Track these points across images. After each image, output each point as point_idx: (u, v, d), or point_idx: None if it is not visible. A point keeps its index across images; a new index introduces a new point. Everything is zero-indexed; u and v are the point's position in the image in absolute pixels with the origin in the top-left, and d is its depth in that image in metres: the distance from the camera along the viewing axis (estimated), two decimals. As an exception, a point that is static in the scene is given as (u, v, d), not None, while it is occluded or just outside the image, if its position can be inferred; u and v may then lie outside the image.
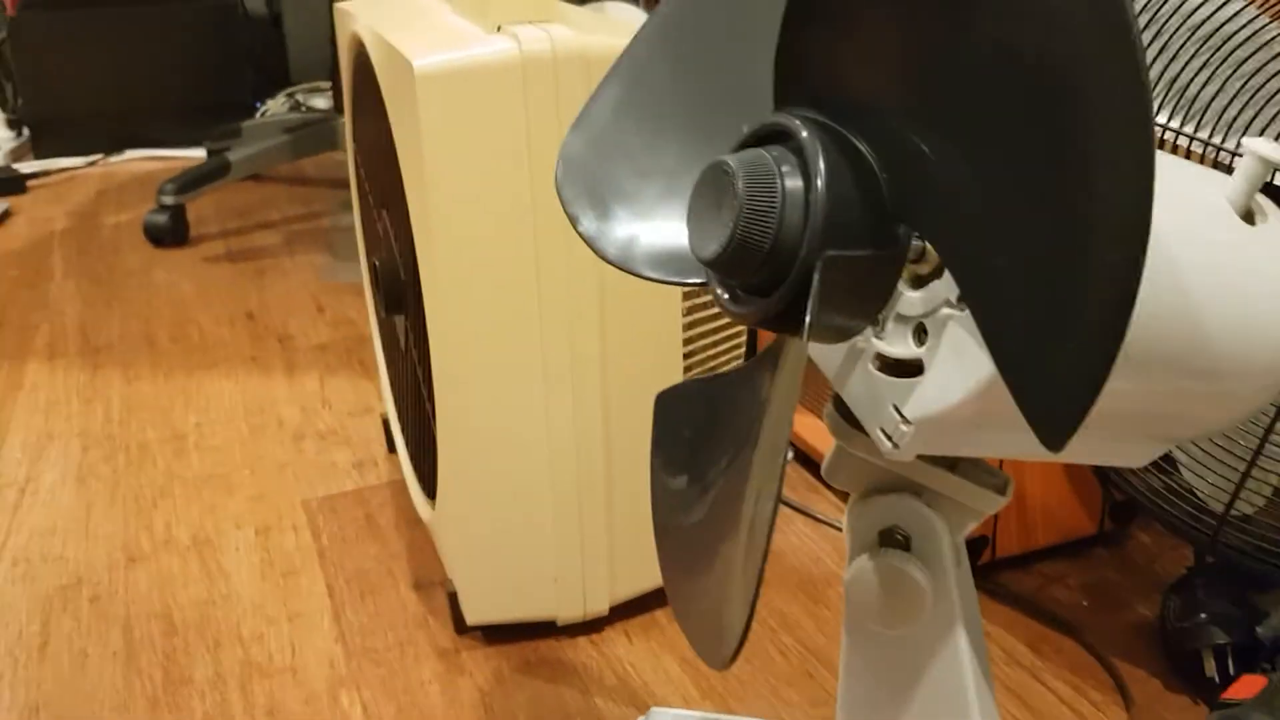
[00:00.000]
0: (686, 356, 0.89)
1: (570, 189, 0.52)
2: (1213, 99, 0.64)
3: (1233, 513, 0.73)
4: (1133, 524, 1.00)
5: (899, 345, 0.45)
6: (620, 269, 0.50)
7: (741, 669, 0.87)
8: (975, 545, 0.94)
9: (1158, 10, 0.66)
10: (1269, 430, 0.69)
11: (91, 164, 2.47)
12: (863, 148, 0.39)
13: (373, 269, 1.04)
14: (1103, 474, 0.85)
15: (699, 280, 0.47)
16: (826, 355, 0.48)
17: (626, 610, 0.92)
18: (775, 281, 0.41)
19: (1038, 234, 0.33)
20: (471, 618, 0.89)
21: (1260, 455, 0.70)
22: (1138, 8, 0.66)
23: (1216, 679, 0.79)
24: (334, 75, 2.29)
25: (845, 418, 0.49)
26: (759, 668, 0.87)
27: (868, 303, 0.40)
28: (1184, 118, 0.66)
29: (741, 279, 0.42)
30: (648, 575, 0.91)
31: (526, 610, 0.89)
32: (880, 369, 0.45)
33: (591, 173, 0.52)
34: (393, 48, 0.77)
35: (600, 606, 0.90)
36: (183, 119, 2.52)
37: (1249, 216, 0.45)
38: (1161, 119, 0.66)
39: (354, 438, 1.24)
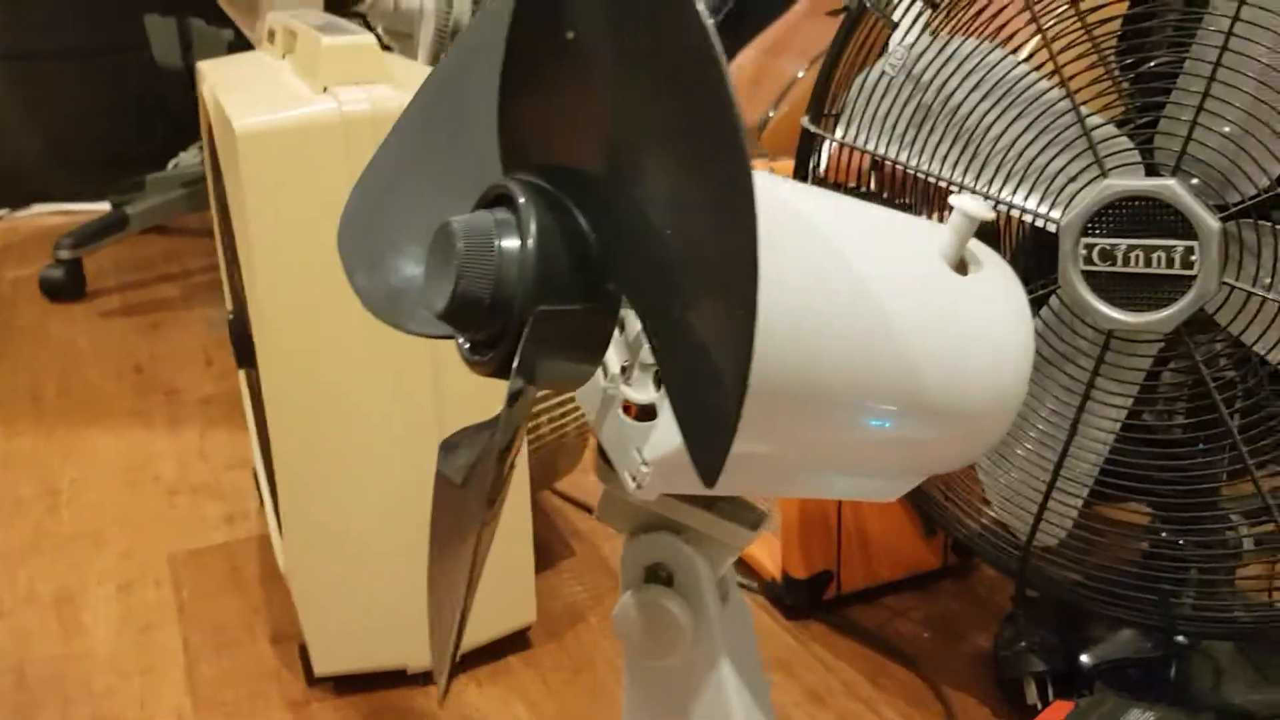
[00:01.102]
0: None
1: (346, 246, 0.54)
2: (1003, 157, 0.68)
3: (1036, 544, 0.76)
4: (975, 557, 1.02)
5: (642, 391, 0.47)
6: (389, 324, 0.53)
7: (589, 708, 0.89)
8: (820, 580, 0.96)
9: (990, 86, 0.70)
10: (1058, 466, 0.72)
11: (-5, 219, 2.46)
12: (575, 210, 0.42)
13: (228, 323, 1.05)
14: (921, 508, 0.88)
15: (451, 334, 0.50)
16: (587, 401, 0.51)
17: (478, 657, 0.93)
18: (502, 335, 0.43)
19: (692, 290, 0.35)
20: (320, 668, 0.89)
21: (1054, 489, 0.73)
22: (972, 83, 0.70)
23: (1038, 705, 0.82)
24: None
25: (607, 461, 0.51)
26: (606, 707, 0.89)
27: (583, 354, 0.43)
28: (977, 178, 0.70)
29: (471, 332, 0.44)
30: (496, 622, 0.93)
31: (375, 660, 0.90)
32: (629, 415, 0.48)
33: (365, 231, 0.54)
34: (221, 108, 0.79)
35: (451, 652, 0.91)
36: (90, 172, 2.51)
37: (962, 267, 0.48)
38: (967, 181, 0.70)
39: (228, 491, 1.25)
